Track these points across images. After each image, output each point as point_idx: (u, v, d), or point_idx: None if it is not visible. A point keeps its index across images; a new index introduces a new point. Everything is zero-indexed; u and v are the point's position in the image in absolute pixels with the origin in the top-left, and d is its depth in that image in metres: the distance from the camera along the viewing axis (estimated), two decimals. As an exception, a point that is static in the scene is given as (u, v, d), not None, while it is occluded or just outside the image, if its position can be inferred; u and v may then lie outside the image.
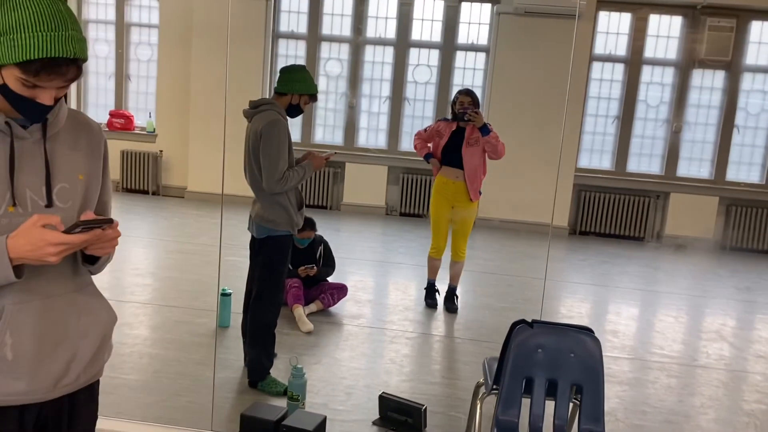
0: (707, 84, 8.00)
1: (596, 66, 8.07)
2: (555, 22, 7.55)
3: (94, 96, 8.84)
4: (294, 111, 3.38)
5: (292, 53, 8.44)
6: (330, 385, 3.51)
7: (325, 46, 8.45)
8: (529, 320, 2.53)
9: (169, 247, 6.19)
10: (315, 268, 4.58)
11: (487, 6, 8.12)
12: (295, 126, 8.41)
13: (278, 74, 3.41)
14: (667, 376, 4.02)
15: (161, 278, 5.17)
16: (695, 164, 8.16)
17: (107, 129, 8.58)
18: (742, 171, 8.10)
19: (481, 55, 8.24)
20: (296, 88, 3.32)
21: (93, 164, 1.53)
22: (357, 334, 4.32)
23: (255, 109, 3.33)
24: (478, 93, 7.97)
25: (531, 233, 7.85)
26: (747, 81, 7.96)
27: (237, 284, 4.88)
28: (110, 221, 1.38)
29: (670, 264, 7.25)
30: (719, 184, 8.06)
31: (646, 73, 8.06)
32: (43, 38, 1.27)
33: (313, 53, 8.44)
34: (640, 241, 8.12)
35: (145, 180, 8.56)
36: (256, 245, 3.44)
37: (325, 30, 8.42)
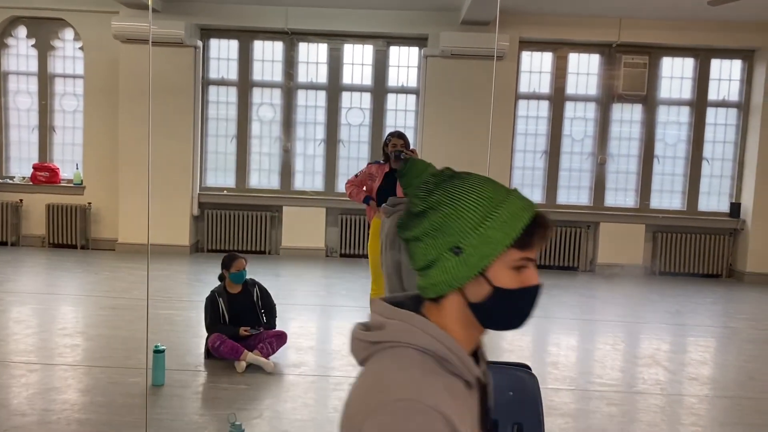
0: (626, 117, 8.41)
1: (522, 103, 8.37)
2: (480, 63, 7.81)
3: (17, 150, 8.52)
4: None
5: (223, 99, 8.39)
6: (272, 440, 3.41)
7: (257, 92, 8.44)
8: (468, 361, 2.53)
9: (99, 303, 5.94)
10: (261, 329, 4.49)
11: (415, 49, 8.33)
12: (229, 171, 8.33)
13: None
14: (607, 404, 4.09)
15: (91, 337, 4.94)
16: (621, 194, 8.51)
17: (31, 183, 8.26)
18: (665, 199, 8.50)
19: (412, 97, 8.42)
20: None
21: None
22: (299, 383, 4.22)
23: None
24: (410, 134, 8.13)
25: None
26: (663, 113, 8.41)
27: (171, 339, 4.74)
28: None
29: (604, 292, 7.46)
30: (644, 212, 8.41)
31: (569, 108, 8.41)
32: None
33: (244, 99, 8.42)
34: (574, 270, 8.35)
35: (73, 234, 8.24)
36: None
37: (256, 76, 8.42)
